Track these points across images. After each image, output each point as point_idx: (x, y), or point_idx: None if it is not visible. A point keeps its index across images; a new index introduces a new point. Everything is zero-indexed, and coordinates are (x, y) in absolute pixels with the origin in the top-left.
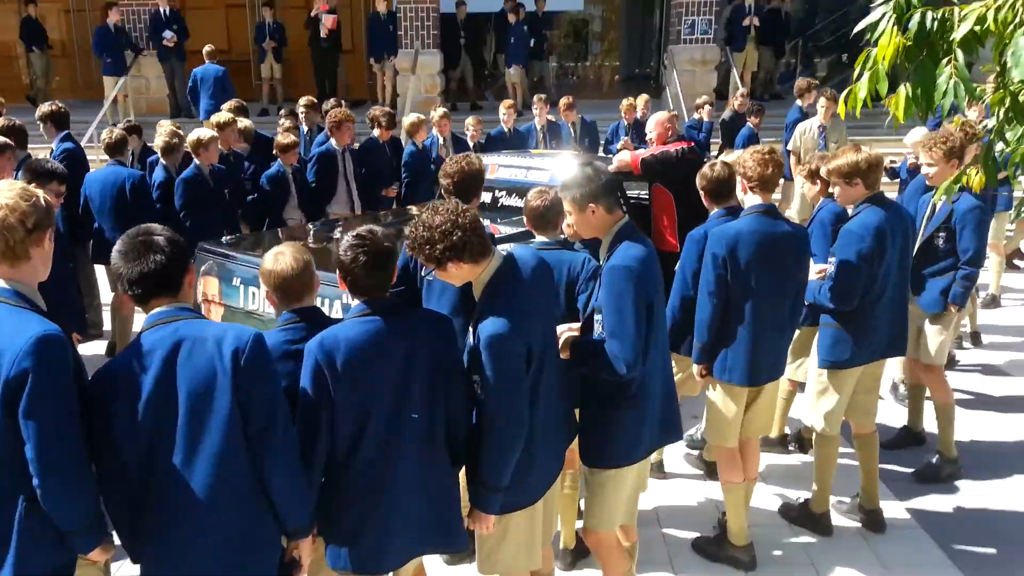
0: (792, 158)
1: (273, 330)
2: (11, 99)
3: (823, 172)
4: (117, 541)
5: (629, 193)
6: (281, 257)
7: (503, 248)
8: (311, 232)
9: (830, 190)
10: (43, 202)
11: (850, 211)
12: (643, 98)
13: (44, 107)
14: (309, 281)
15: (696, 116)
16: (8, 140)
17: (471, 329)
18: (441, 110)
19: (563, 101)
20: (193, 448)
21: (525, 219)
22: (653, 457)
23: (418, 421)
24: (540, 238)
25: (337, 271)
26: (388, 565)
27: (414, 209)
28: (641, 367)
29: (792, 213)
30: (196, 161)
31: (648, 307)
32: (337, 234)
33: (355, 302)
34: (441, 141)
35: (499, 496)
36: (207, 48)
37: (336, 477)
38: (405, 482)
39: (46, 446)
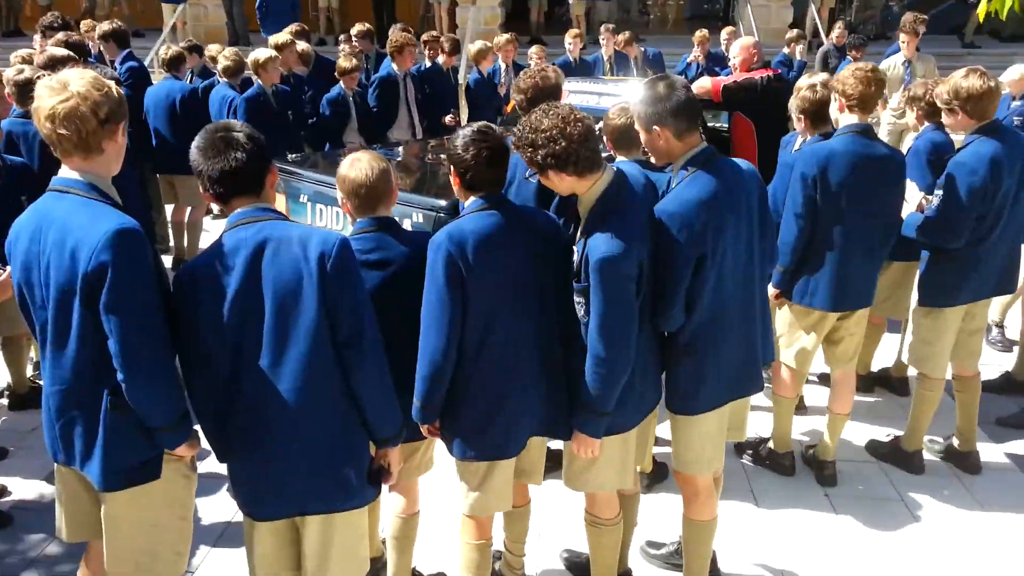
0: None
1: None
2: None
3: (937, 99)
4: (204, 439)
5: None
6: (358, 163)
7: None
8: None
9: (927, 122)
10: (116, 93)
11: (962, 140)
12: (728, 29)
13: (104, 25)
14: (386, 189)
15: (786, 51)
16: (72, 53)
17: (575, 248)
18: (506, 36)
19: (621, 36)
20: (280, 352)
21: (604, 139)
22: None
23: (537, 310)
24: (620, 159)
25: (451, 167)
26: (513, 450)
27: None
28: (682, 319)
29: None
30: (257, 81)
31: (701, 257)
32: (400, 155)
33: (469, 200)
34: (504, 69)
35: (604, 420)
36: None
37: (466, 371)
38: (530, 371)
39: (130, 340)
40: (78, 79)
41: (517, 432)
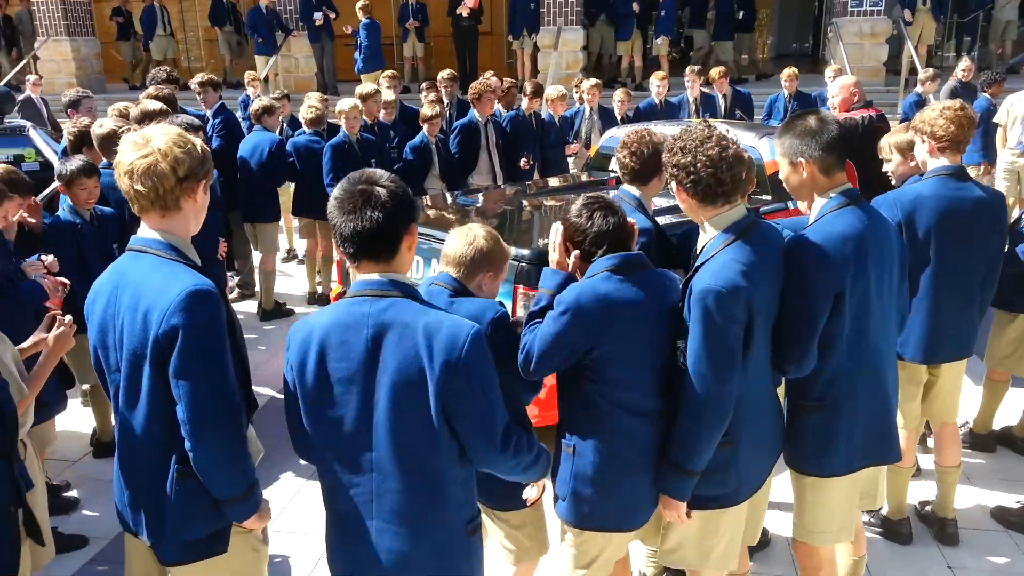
0: (1000, 131)
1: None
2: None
3: None
4: (292, 521)
5: None
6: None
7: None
8: (451, 201)
9: None
10: (199, 150)
11: None
12: (833, 67)
13: (201, 76)
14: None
15: (918, 90)
16: (165, 106)
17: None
18: (593, 80)
19: (715, 71)
20: (396, 445)
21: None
22: None
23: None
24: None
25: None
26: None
27: (554, 181)
28: (813, 363)
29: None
30: (343, 129)
31: (838, 295)
32: (480, 202)
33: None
34: (588, 112)
35: (692, 481)
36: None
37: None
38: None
39: (199, 408)
40: (161, 135)
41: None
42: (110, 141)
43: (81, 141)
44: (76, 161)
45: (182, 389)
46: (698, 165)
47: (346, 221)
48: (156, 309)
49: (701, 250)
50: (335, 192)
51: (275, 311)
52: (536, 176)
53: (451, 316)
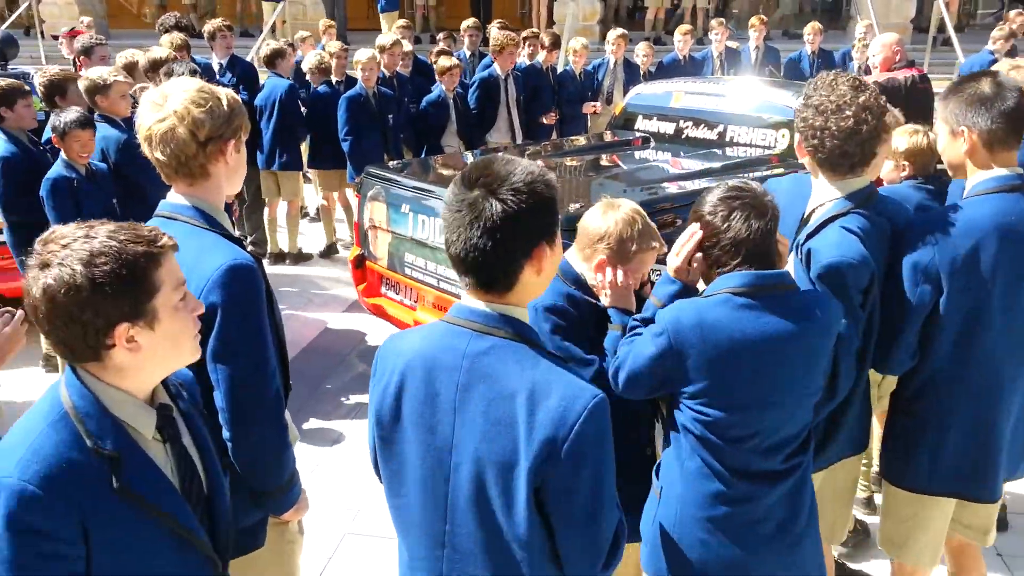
0: None
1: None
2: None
3: None
4: (312, 496)
5: None
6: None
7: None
8: (465, 161)
9: None
10: (224, 107)
11: None
12: (865, 23)
13: (216, 21)
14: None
15: (991, 48)
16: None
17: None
18: (620, 30)
19: (755, 19)
20: (476, 526)
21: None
22: None
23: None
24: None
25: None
26: None
27: (580, 139)
28: (906, 363)
29: None
30: (360, 83)
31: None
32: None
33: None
34: (612, 64)
35: None
36: None
37: None
38: None
39: (241, 395)
40: (180, 93)
41: None
42: (94, 91)
43: (53, 91)
44: (71, 112)
45: (221, 374)
46: (825, 134)
47: (452, 239)
48: (192, 284)
49: (810, 213)
50: (447, 193)
51: (297, 255)
52: (554, 135)
53: (567, 375)
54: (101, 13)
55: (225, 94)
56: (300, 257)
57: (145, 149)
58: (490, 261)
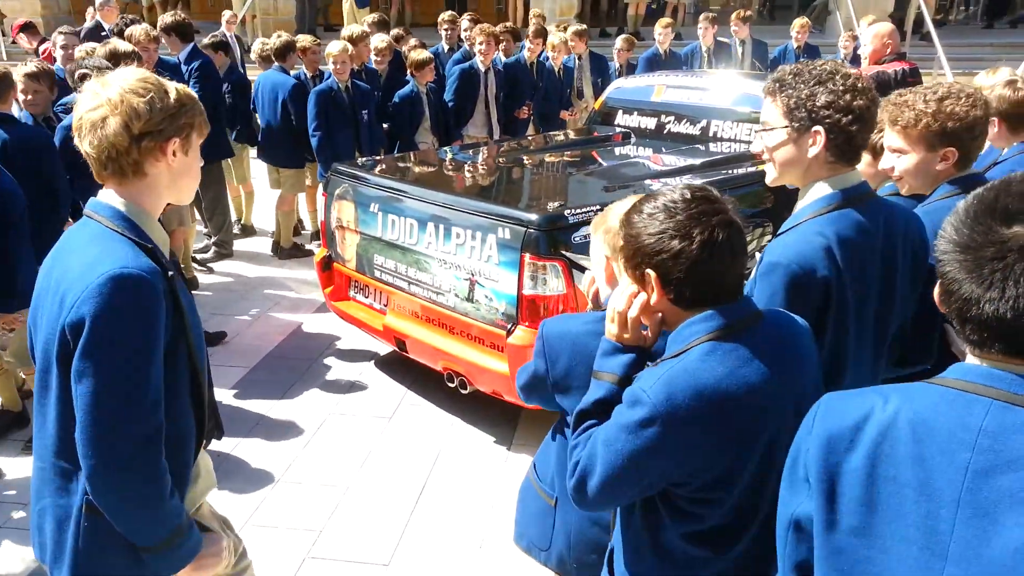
0: None
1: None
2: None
3: None
4: (271, 517)
5: None
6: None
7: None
8: (447, 158)
9: None
10: (171, 100)
11: None
12: (869, 17)
13: (166, 17)
14: None
15: None
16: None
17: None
18: (577, 26)
19: (737, 13)
20: None
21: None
22: None
23: None
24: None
25: (627, 259)
26: None
27: (559, 135)
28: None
29: None
30: (331, 76)
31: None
32: (480, 159)
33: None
34: (576, 61)
35: None
36: None
37: None
38: None
39: (94, 425)
40: (119, 81)
41: None
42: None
43: None
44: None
45: (79, 398)
46: (836, 109)
47: (989, 296)
48: (72, 292)
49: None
50: (948, 228)
51: (292, 250)
52: (531, 130)
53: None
54: (64, 8)
55: (176, 88)
56: (299, 252)
57: (76, 141)
58: None
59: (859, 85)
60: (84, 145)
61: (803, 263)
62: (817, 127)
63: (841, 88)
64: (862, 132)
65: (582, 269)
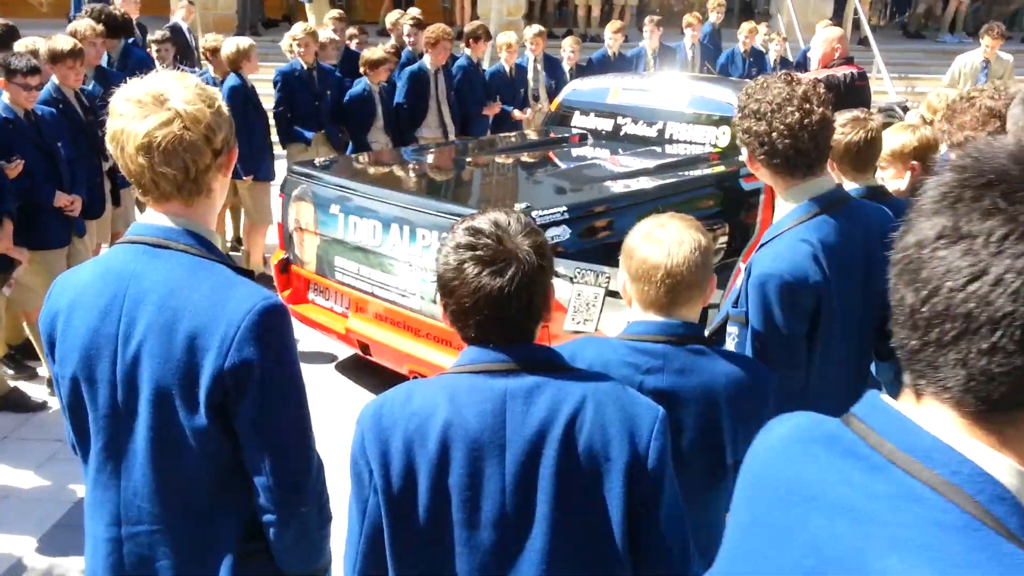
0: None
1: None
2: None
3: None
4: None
5: None
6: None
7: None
8: (401, 158)
9: None
10: (225, 108)
11: None
12: (824, 21)
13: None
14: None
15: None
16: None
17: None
18: (537, 27)
19: (690, 17)
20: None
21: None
22: None
23: None
24: (851, 184)
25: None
26: None
27: (513, 137)
28: None
29: None
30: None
31: None
32: (431, 159)
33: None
34: (531, 63)
35: None
36: None
37: None
38: None
39: (294, 472)
40: (180, 89)
41: None
42: None
43: None
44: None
45: (270, 447)
46: (773, 137)
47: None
48: (213, 333)
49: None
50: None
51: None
52: (488, 132)
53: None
54: None
55: (218, 94)
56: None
57: (137, 162)
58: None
59: (791, 99)
60: (159, 167)
61: (794, 272)
62: (752, 158)
63: (770, 111)
64: (798, 143)
65: None
